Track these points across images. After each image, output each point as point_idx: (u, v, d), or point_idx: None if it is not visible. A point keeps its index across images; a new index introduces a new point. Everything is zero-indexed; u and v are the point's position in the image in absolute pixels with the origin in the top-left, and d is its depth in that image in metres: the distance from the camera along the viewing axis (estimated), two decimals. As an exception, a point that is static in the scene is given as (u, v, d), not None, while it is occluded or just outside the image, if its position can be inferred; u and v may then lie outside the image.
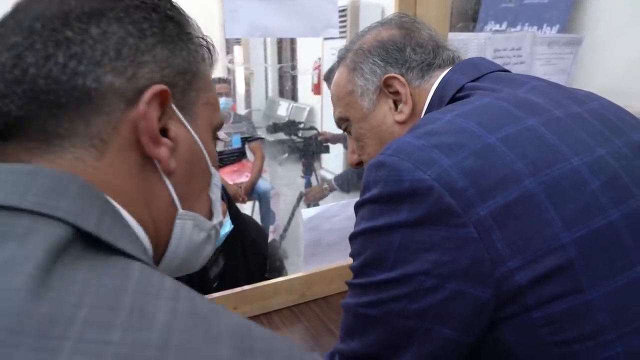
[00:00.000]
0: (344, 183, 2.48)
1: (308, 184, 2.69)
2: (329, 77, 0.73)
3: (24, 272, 0.23)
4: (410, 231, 0.42)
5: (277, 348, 0.26)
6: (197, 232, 0.40)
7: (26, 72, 0.30)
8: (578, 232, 0.40)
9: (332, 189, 2.50)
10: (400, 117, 0.61)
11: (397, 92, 0.62)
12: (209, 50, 0.42)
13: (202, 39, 0.41)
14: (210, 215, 0.43)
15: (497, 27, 1.98)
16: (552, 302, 0.39)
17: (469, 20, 1.97)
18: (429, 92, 0.60)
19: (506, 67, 1.29)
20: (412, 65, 0.61)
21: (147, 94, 0.33)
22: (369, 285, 0.46)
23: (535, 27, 1.85)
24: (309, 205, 2.66)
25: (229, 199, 1.35)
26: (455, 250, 0.41)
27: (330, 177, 2.85)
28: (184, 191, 0.38)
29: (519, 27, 1.91)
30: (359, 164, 0.70)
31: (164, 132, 0.35)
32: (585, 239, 0.40)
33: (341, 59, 0.68)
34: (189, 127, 0.38)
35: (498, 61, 1.28)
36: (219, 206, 0.44)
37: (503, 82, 0.54)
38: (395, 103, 0.62)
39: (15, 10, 0.33)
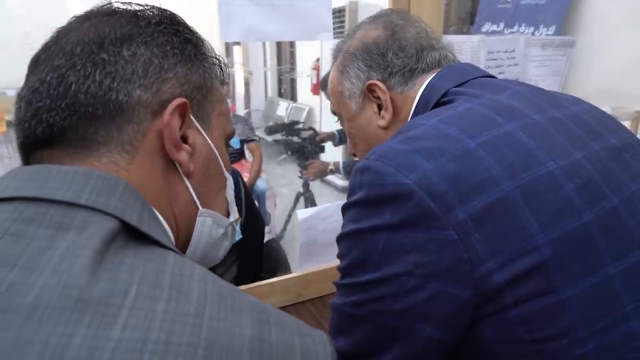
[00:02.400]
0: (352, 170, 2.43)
1: (305, 184, 2.71)
2: (325, 85, 0.75)
3: (85, 254, 0.28)
4: (393, 233, 0.44)
5: (288, 322, 0.32)
6: (216, 228, 0.45)
7: (69, 89, 0.36)
8: (553, 233, 0.41)
9: (336, 170, 2.47)
10: (382, 122, 0.63)
11: (379, 97, 0.63)
12: (221, 67, 0.47)
13: (216, 58, 0.46)
14: (227, 214, 0.48)
15: (495, 27, 1.99)
16: (528, 301, 0.41)
17: (465, 22, 1.98)
18: (414, 98, 0.61)
19: (500, 69, 1.29)
20: (394, 70, 0.62)
21: (171, 106, 0.38)
22: (354, 285, 0.47)
23: (531, 28, 1.86)
24: (307, 180, 2.64)
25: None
26: (436, 252, 0.42)
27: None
28: (202, 191, 0.43)
29: (515, 28, 1.92)
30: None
31: (184, 139, 0.40)
32: (560, 240, 0.41)
33: (335, 57, 0.70)
34: (205, 135, 0.43)
35: (492, 63, 1.29)
36: (234, 206, 0.49)
37: (486, 87, 0.55)
38: (380, 107, 0.64)
39: (57, 37, 0.38)
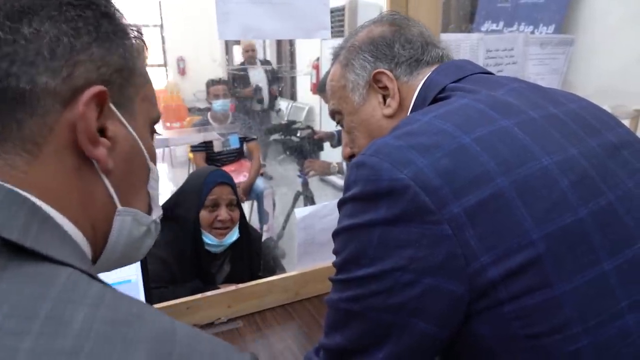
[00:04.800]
0: None
1: (305, 183, 2.71)
2: (323, 89, 0.75)
3: None
4: (388, 228, 0.44)
5: (199, 351, 0.27)
6: (137, 227, 0.41)
7: None
8: (547, 228, 0.41)
9: (339, 171, 2.47)
10: (387, 111, 0.63)
11: (385, 87, 0.63)
12: (144, 41, 0.42)
13: (136, 30, 0.41)
14: (149, 210, 0.43)
15: (494, 26, 1.99)
16: (523, 297, 0.41)
17: (465, 21, 1.98)
18: (416, 88, 0.61)
19: (499, 68, 1.29)
20: (400, 60, 0.63)
21: (85, 95, 0.32)
22: (350, 280, 0.47)
23: (531, 27, 1.87)
24: (305, 177, 2.65)
25: (240, 207, 1.37)
26: (430, 247, 0.42)
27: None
28: (123, 188, 0.38)
29: (515, 27, 1.92)
30: (352, 156, 0.71)
31: (102, 131, 0.35)
32: (554, 236, 0.41)
33: (336, 55, 0.71)
34: (127, 124, 0.38)
35: (491, 61, 1.29)
36: (157, 200, 0.44)
37: (483, 83, 0.55)
38: (384, 98, 0.64)
39: None
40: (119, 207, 0.38)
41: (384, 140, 0.47)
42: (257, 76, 4.47)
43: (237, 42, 4.97)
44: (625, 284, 0.42)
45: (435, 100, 0.57)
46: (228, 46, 5.03)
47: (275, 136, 2.74)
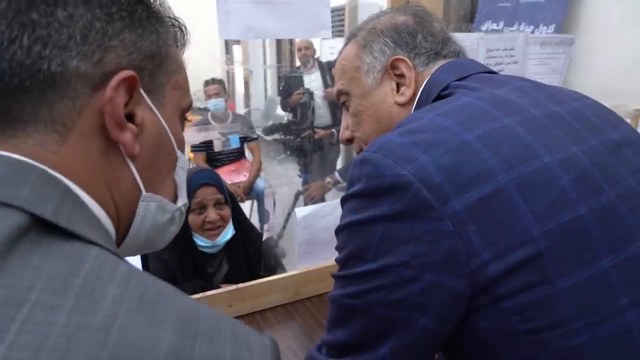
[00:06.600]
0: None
1: (305, 183, 2.71)
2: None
3: None
4: (391, 224, 0.44)
5: (222, 331, 0.28)
6: (161, 213, 0.41)
7: None
8: (547, 225, 0.41)
9: (335, 183, 2.47)
10: (401, 99, 0.62)
11: (401, 75, 0.63)
12: (182, 30, 0.42)
13: (174, 19, 0.41)
14: (175, 198, 0.43)
15: (494, 26, 2.00)
16: (522, 292, 0.41)
17: (465, 20, 1.98)
18: (426, 78, 0.61)
19: (499, 67, 1.30)
20: (421, 51, 0.63)
21: (114, 80, 0.33)
22: (352, 276, 0.48)
23: (531, 27, 1.87)
24: (305, 177, 2.64)
25: (234, 205, 1.37)
26: (432, 243, 0.42)
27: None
28: (149, 174, 0.38)
29: (515, 27, 1.92)
30: (349, 140, 0.71)
31: (131, 116, 0.35)
32: (555, 232, 0.41)
33: (353, 35, 0.69)
34: (156, 111, 0.38)
35: (491, 61, 1.29)
36: (184, 189, 0.45)
37: (486, 82, 0.56)
38: (398, 85, 0.63)
39: None
40: (144, 192, 0.38)
41: (386, 137, 0.48)
42: (315, 82, 3.28)
43: (237, 42, 4.96)
44: (625, 282, 0.42)
45: (438, 97, 0.57)
46: (228, 46, 5.03)
47: (276, 136, 2.74)
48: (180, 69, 0.41)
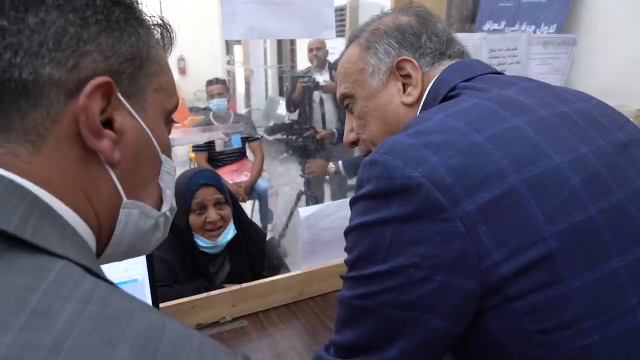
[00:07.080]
0: (354, 168, 2.42)
1: (307, 183, 2.71)
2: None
3: None
4: (401, 226, 0.44)
5: (187, 350, 0.26)
6: (144, 220, 0.40)
7: None
8: (558, 225, 0.41)
9: (336, 172, 2.46)
10: (408, 99, 0.62)
11: (407, 76, 0.63)
12: (167, 29, 0.41)
13: (159, 19, 0.39)
14: (159, 203, 0.42)
15: (496, 26, 1.99)
16: (533, 292, 0.41)
17: (467, 21, 1.98)
18: (433, 79, 0.61)
19: (502, 68, 1.30)
20: (426, 52, 0.63)
21: (88, 87, 0.32)
22: (362, 277, 0.48)
23: (533, 27, 1.87)
24: (308, 178, 2.63)
25: (234, 204, 1.37)
26: (443, 244, 0.42)
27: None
28: (131, 180, 0.37)
29: (517, 27, 1.92)
30: (354, 143, 0.71)
31: (109, 122, 0.34)
32: (565, 233, 0.41)
33: (355, 37, 0.69)
34: (136, 115, 0.37)
35: (494, 61, 1.29)
36: (169, 194, 0.43)
37: (493, 83, 0.56)
38: (404, 85, 0.63)
39: None
40: (125, 199, 0.37)
41: (396, 138, 0.48)
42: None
43: (238, 42, 4.96)
44: (635, 281, 0.42)
45: (445, 98, 0.57)
46: (229, 45, 5.03)
47: (278, 136, 2.74)
48: (163, 70, 0.40)
